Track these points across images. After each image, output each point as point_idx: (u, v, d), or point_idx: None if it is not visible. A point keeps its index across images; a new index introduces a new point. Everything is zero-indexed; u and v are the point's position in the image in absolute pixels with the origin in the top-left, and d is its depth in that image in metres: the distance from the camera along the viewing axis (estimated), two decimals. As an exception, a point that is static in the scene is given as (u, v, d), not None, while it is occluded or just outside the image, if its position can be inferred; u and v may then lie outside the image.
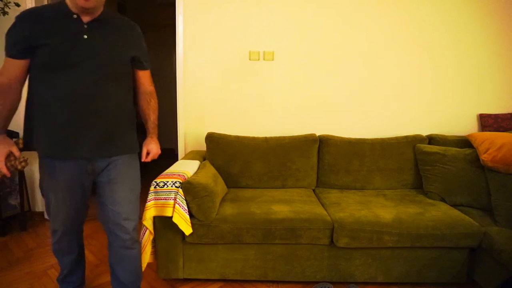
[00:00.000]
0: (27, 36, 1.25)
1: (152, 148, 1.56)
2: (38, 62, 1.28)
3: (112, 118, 1.39)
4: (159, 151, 1.59)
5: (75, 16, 1.29)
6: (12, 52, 1.28)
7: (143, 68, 1.53)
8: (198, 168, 2.07)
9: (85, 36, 1.30)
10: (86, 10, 1.28)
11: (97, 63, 1.31)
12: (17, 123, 2.69)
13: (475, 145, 2.10)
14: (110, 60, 1.36)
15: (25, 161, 1.32)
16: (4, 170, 1.26)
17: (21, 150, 1.54)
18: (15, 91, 1.32)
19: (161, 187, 1.73)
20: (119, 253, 1.52)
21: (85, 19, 1.30)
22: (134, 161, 1.51)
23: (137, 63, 1.49)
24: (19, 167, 1.30)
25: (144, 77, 1.55)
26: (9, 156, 1.28)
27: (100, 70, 1.32)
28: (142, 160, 1.55)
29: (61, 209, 1.42)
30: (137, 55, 1.46)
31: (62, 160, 1.35)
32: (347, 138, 2.38)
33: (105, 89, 1.35)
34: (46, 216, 2.77)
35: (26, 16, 1.27)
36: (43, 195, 1.49)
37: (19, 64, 1.29)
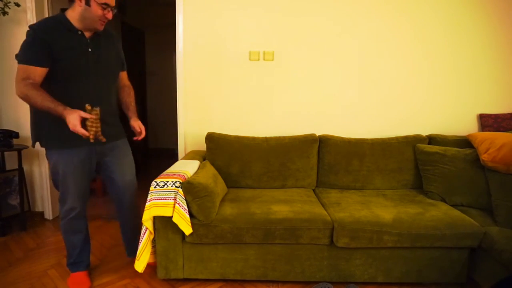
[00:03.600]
0: (50, 48, 1.47)
1: (140, 124, 1.84)
2: (57, 70, 1.51)
3: (115, 111, 1.80)
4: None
5: (79, 32, 1.57)
6: (35, 60, 1.46)
7: (124, 69, 1.90)
8: (198, 168, 2.07)
9: (90, 49, 1.60)
10: (92, 30, 1.59)
11: (103, 71, 1.65)
12: (17, 123, 2.71)
13: (475, 145, 2.10)
14: (113, 67, 1.74)
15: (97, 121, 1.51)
16: (83, 131, 1.43)
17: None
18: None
19: (161, 187, 1.73)
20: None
21: (87, 34, 1.60)
22: (127, 143, 1.89)
23: (121, 65, 1.85)
24: (94, 129, 1.49)
25: (124, 75, 1.92)
26: (83, 121, 1.46)
27: (107, 75, 1.69)
28: (137, 137, 1.82)
29: (78, 187, 1.69)
30: (123, 58, 1.85)
31: (79, 146, 1.63)
32: (347, 138, 2.38)
33: (110, 89, 1.74)
34: (46, 216, 2.78)
35: (44, 31, 1.47)
36: (56, 185, 1.71)
37: (41, 71, 1.49)
